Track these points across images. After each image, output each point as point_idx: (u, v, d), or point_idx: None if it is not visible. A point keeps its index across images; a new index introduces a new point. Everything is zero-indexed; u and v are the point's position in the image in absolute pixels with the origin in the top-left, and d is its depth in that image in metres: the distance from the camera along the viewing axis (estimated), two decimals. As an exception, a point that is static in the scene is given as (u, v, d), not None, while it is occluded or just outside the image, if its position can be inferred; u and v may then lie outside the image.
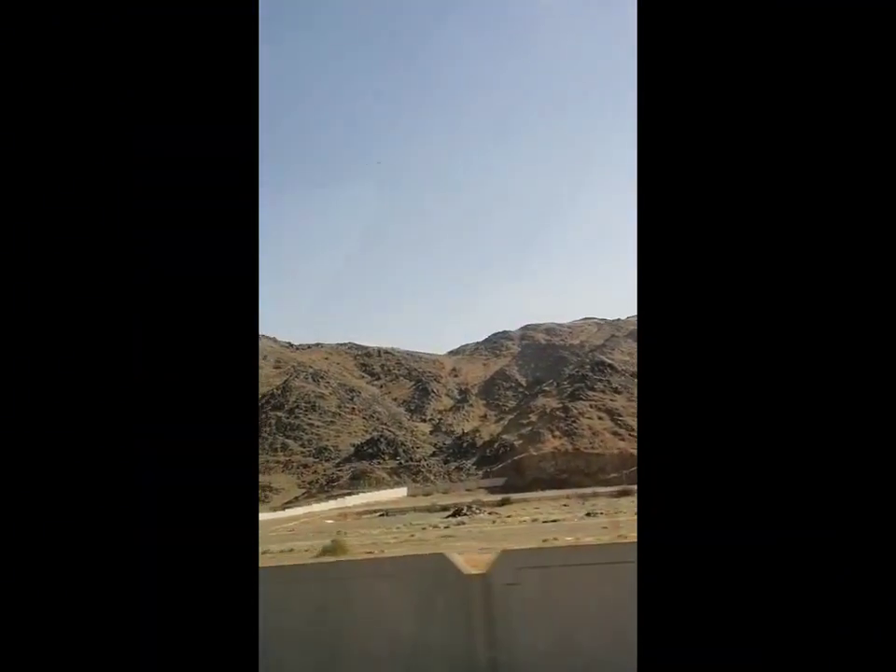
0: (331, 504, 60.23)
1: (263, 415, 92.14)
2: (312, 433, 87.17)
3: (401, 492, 66.10)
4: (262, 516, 54.73)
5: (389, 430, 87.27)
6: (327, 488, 73.04)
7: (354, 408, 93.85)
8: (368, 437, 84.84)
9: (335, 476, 78.26)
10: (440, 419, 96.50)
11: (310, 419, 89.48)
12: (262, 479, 78.40)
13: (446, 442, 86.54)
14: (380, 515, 50.31)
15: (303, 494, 73.30)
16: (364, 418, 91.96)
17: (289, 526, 46.70)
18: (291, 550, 22.36)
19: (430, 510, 48.89)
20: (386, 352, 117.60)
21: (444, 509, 48.94)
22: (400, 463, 77.79)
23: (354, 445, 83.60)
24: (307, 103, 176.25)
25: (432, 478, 73.82)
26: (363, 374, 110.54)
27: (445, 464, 79.18)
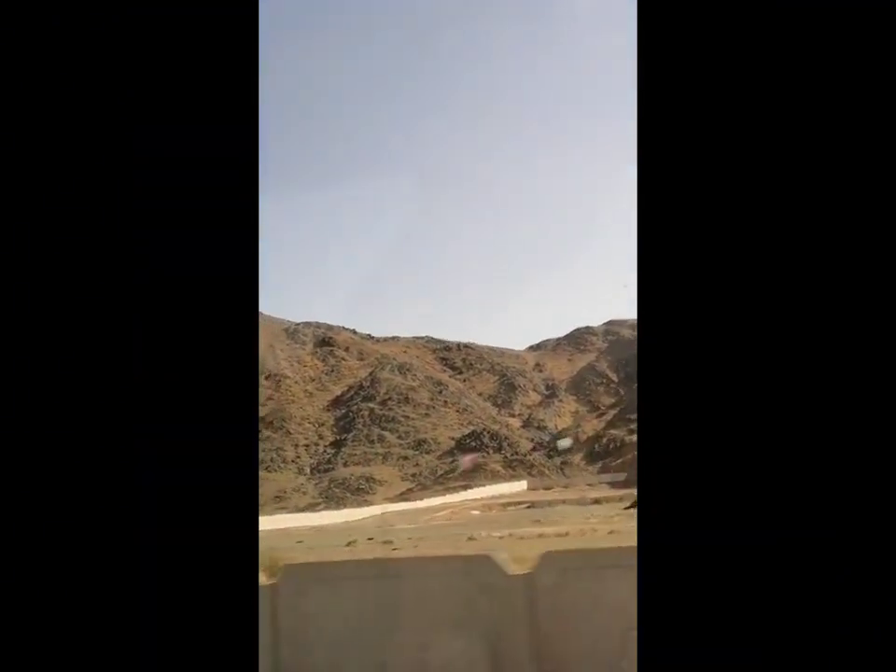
0: (465, 495, 58.94)
1: (355, 407, 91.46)
2: (408, 425, 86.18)
3: (521, 485, 64.51)
4: (396, 506, 53.58)
5: (484, 424, 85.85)
6: (441, 480, 71.72)
7: (446, 401, 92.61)
8: (467, 430, 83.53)
9: (437, 469, 77.02)
10: (529, 414, 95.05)
11: (404, 411, 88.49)
12: (364, 470, 77.42)
13: (544, 438, 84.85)
14: (527, 507, 48.85)
15: (416, 486, 72.12)
16: (457, 412, 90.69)
17: (442, 515, 45.55)
18: (520, 537, 20.73)
19: (580, 503, 47.46)
20: (466, 346, 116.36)
21: (596, 502, 47.44)
22: (505, 457, 76.30)
23: (454, 438, 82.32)
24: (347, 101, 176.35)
25: (546, 472, 72.19)
26: (444, 368, 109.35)
27: (549, 458, 77.49)
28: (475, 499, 55.58)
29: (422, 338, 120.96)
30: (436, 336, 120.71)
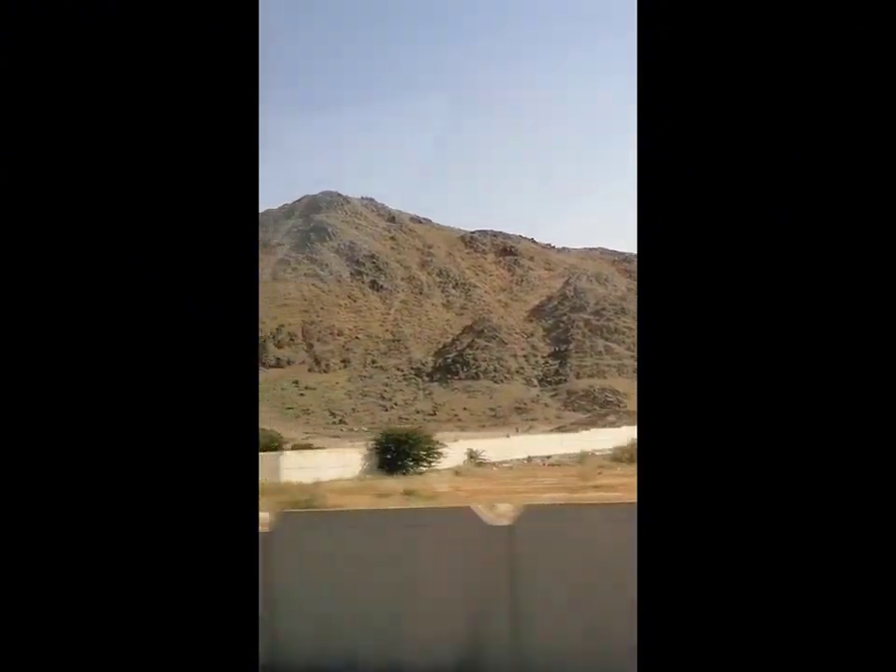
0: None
1: (565, 317, 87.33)
2: (633, 336, 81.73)
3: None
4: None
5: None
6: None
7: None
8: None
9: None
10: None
11: (624, 322, 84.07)
12: (599, 383, 73.77)
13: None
14: None
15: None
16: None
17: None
18: None
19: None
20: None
21: None
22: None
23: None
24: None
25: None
26: (631, 279, 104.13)
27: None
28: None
29: (594, 249, 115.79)
30: (607, 246, 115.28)
